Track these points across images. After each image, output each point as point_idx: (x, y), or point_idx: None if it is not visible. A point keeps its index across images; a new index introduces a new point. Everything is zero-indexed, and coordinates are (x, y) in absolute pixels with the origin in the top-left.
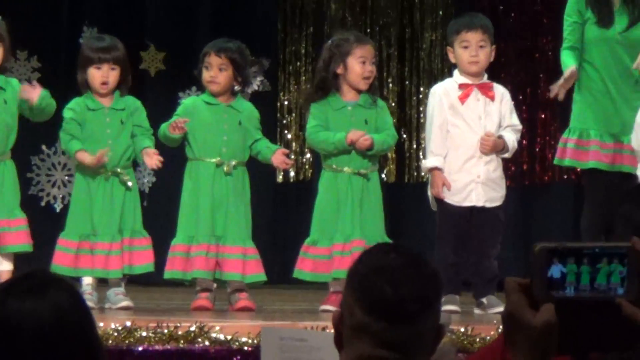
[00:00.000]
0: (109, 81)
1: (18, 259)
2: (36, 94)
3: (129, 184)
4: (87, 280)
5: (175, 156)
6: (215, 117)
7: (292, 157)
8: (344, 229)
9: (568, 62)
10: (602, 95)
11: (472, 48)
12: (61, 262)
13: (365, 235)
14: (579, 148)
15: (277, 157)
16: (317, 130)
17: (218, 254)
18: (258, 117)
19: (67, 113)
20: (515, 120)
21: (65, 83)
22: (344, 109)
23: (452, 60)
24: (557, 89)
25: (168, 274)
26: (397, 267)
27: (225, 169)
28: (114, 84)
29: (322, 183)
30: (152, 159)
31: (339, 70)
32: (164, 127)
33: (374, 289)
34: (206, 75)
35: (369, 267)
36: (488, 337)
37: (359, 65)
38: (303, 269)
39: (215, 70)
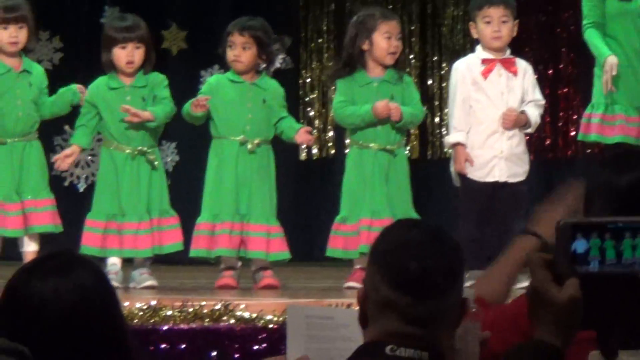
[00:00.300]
0: (134, 60)
1: (45, 239)
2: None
3: (156, 163)
4: (112, 260)
5: (199, 134)
6: (240, 95)
7: (315, 133)
8: (372, 205)
9: (604, 51)
10: (625, 69)
11: (494, 23)
12: (89, 243)
13: (393, 212)
14: (604, 123)
15: (301, 135)
16: (343, 105)
17: (242, 232)
18: (283, 95)
19: (87, 94)
20: (538, 95)
21: (87, 63)
22: (370, 84)
23: (475, 35)
24: (606, 85)
25: (193, 252)
26: (421, 242)
27: (249, 147)
28: (139, 63)
29: (349, 160)
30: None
31: (365, 46)
32: (188, 105)
33: (399, 264)
34: (230, 54)
35: (392, 243)
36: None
37: (384, 40)
38: (335, 246)
39: (239, 49)
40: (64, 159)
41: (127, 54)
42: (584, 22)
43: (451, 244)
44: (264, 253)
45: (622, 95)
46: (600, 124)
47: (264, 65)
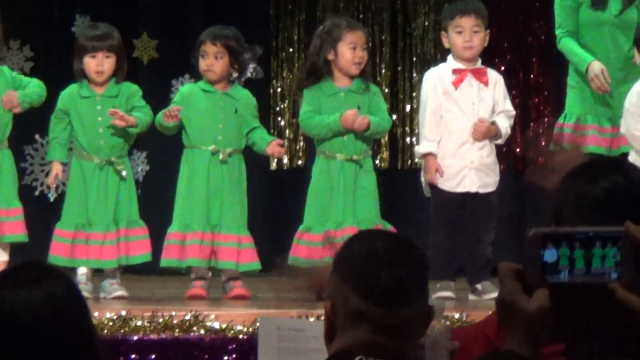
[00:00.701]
0: (104, 69)
1: (13, 249)
2: (14, 103)
3: (124, 173)
4: (82, 270)
5: (170, 144)
6: (212, 105)
7: (286, 144)
8: (336, 215)
9: (585, 57)
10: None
11: (466, 33)
12: (57, 253)
13: (357, 222)
14: (576, 133)
15: (272, 147)
16: (310, 115)
17: (213, 242)
18: (255, 105)
19: (58, 102)
20: (508, 105)
21: (58, 71)
22: (336, 94)
23: (446, 45)
24: (603, 88)
25: (164, 262)
26: (388, 251)
27: (220, 156)
28: (109, 72)
29: (315, 169)
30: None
31: (330, 56)
32: (160, 116)
33: (369, 274)
34: (202, 64)
35: (360, 253)
36: None
37: (349, 51)
38: (298, 255)
39: (212, 59)
40: (52, 181)
41: (96, 63)
42: (558, 31)
43: (417, 252)
44: (234, 263)
45: (595, 106)
46: (572, 134)
47: (236, 75)
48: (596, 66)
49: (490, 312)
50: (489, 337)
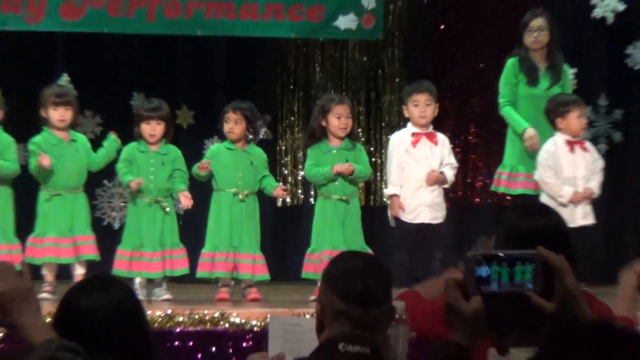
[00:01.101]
0: (156, 133)
1: (88, 265)
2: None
3: (167, 209)
4: (138, 280)
5: (202, 187)
6: (233, 159)
7: (288, 187)
8: (332, 240)
9: (522, 123)
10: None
11: (420, 106)
12: (119, 267)
13: (347, 245)
14: (510, 179)
15: (277, 191)
16: (312, 167)
17: (235, 259)
18: (266, 159)
19: (122, 154)
20: (452, 159)
21: (121, 134)
22: (330, 152)
23: (406, 115)
24: (533, 149)
25: (199, 274)
26: (362, 268)
27: (240, 197)
28: (160, 136)
29: (317, 207)
30: (186, 201)
31: (324, 123)
32: (195, 168)
33: (348, 284)
34: (226, 127)
35: (342, 269)
36: None
37: (336, 119)
38: (308, 270)
39: (233, 124)
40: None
41: (150, 129)
42: (501, 100)
43: (383, 268)
44: (250, 275)
45: (525, 158)
46: (507, 180)
47: (251, 137)
48: (530, 131)
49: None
50: (440, 316)
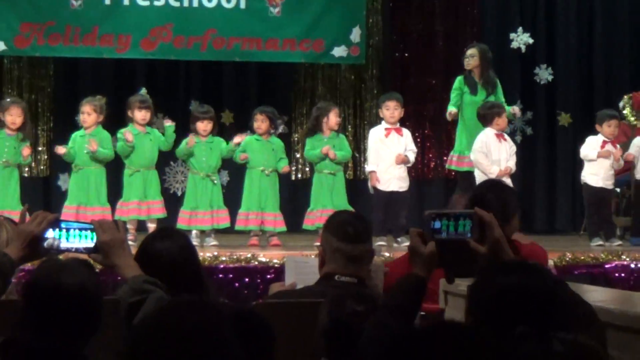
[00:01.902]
0: (207, 129)
1: (159, 222)
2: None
3: (215, 181)
4: (194, 232)
5: (239, 167)
6: (261, 147)
7: (300, 167)
8: (325, 203)
9: (450, 108)
10: (470, 131)
11: (391, 110)
12: (181, 223)
13: (335, 206)
14: (460, 160)
15: (283, 169)
16: (308, 151)
17: (263, 217)
18: (283, 146)
19: (181, 145)
20: (413, 146)
21: (180, 131)
22: (322, 140)
23: (382, 116)
24: (451, 118)
25: (237, 227)
26: (352, 218)
27: (266, 173)
28: (210, 131)
29: (314, 180)
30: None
31: (325, 120)
32: (237, 157)
33: (342, 228)
34: (255, 125)
35: (338, 220)
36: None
37: (335, 117)
38: (307, 224)
39: (260, 122)
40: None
41: (204, 126)
42: (450, 105)
43: (365, 219)
44: (272, 228)
45: (469, 145)
46: (457, 160)
47: (272, 131)
48: (451, 112)
49: (404, 254)
50: (407, 266)
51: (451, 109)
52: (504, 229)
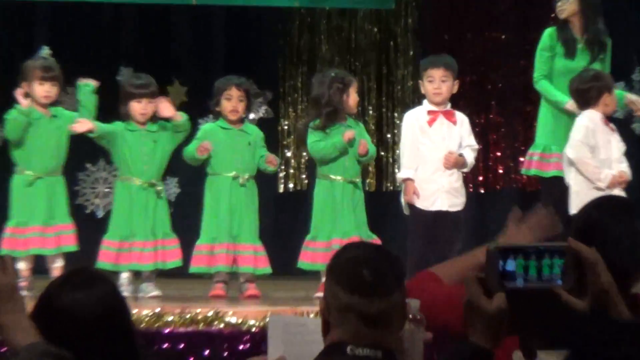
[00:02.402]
0: (147, 112)
1: (67, 256)
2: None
3: (161, 194)
4: (125, 274)
5: (195, 171)
6: (231, 139)
7: (291, 171)
8: (343, 227)
9: (562, 98)
10: (562, 116)
11: (435, 82)
12: (104, 259)
13: (359, 233)
14: (542, 160)
15: (268, 159)
16: (317, 143)
17: (234, 251)
18: (263, 137)
19: (111, 127)
20: (472, 141)
21: (105, 113)
22: (338, 128)
23: (422, 91)
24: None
25: (194, 269)
26: (370, 255)
27: (240, 181)
28: (150, 114)
29: (318, 191)
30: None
31: (345, 98)
32: (192, 150)
33: (354, 272)
34: (228, 105)
35: (346, 259)
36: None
37: (355, 95)
38: (304, 260)
39: (236, 102)
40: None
41: (142, 107)
42: (536, 74)
43: (392, 255)
44: (252, 268)
45: (558, 138)
46: (539, 161)
47: (249, 116)
48: (571, 105)
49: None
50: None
51: (562, 98)
52: (625, 279)
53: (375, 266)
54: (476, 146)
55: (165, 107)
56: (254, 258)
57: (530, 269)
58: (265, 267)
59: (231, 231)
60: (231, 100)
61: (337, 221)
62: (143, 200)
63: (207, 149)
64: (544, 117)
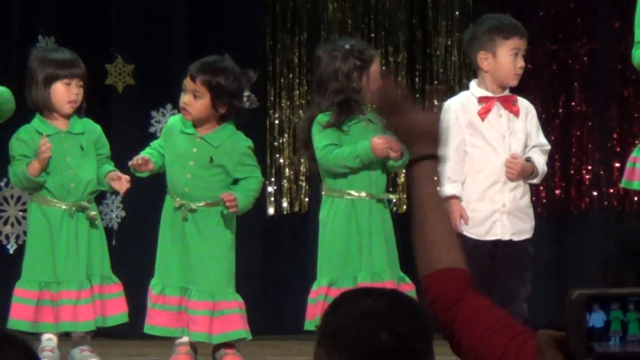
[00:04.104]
0: (77, 99)
1: None
2: None
3: (96, 222)
4: (47, 336)
5: (147, 186)
6: (187, 147)
7: (285, 184)
8: (372, 266)
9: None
10: None
11: (520, 57)
12: (19, 316)
13: (392, 273)
14: None
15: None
16: (332, 149)
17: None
18: (249, 147)
19: (16, 147)
20: (543, 139)
21: (17, 100)
22: (359, 123)
23: (486, 68)
24: None
25: (150, 328)
26: (384, 309)
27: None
28: (80, 103)
29: (329, 213)
30: (121, 183)
31: (364, 80)
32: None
33: (367, 337)
34: (183, 97)
35: (355, 316)
36: None
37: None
38: (313, 318)
39: (190, 96)
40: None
41: (71, 92)
42: (636, 44)
43: (415, 304)
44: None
45: None
46: None
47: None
48: None
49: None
50: None
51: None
52: None
53: (396, 322)
54: (548, 146)
55: None
56: (231, 316)
57: (630, 325)
58: (242, 329)
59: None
60: (185, 94)
61: (362, 257)
62: (70, 230)
63: (142, 164)
64: None
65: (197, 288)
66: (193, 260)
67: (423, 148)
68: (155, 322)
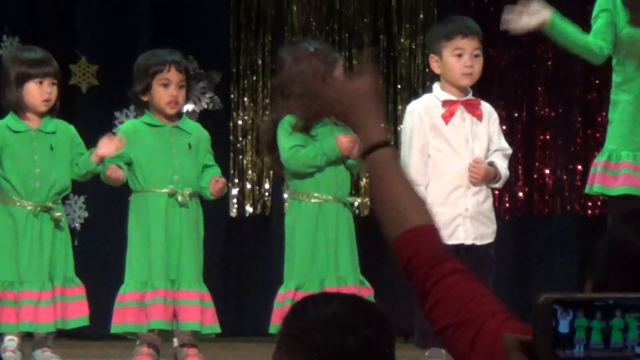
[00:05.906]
0: (51, 98)
1: None
2: None
3: (60, 222)
4: (9, 337)
5: (109, 187)
6: (163, 142)
7: (248, 187)
8: (337, 268)
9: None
10: (636, 109)
11: (467, 57)
12: None
13: (356, 277)
14: (607, 172)
15: (212, 184)
16: (297, 150)
17: (173, 300)
18: (209, 139)
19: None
20: (504, 143)
21: None
22: (323, 125)
23: (437, 70)
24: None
25: (118, 327)
26: (349, 313)
27: (180, 199)
28: (54, 102)
29: (295, 217)
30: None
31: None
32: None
33: (334, 341)
34: (164, 94)
35: (319, 321)
36: None
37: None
38: (279, 320)
39: (174, 88)
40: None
41: (44, 91)
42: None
43: (377, 309)
44: (198, 324)
45: (630, 140)
46: (603, 172)
47: (188, 106)
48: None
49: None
50: None
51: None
52: None
53: (362, 326)
54: (509, 150)
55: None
56: (201, 310)
57: (594, 332)
58: (212, 324)
59: (168, 271)
60: (169, 87)
61: (329, 261)
62: (35, 230)
63: (116, 175)
64: (615, 113)
65: (189, 275)
66: (183, 248)
67: (371, 131)
68: (121, 320)
